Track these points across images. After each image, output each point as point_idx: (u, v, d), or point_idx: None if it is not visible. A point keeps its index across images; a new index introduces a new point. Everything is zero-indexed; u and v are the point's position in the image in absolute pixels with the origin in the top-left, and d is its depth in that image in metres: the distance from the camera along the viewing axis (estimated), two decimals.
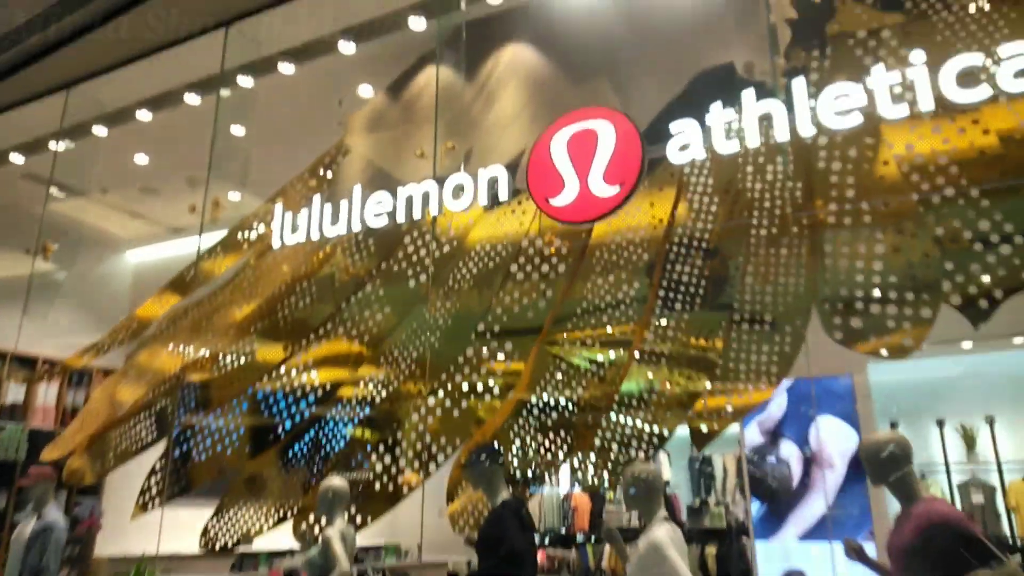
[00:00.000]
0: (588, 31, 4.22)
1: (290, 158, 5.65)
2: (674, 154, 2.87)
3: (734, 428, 4.85)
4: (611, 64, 4.33)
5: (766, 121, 2.73)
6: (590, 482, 3.67)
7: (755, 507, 5.03)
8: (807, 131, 2.65)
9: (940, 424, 7.59)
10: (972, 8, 3.33)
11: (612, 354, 3.80)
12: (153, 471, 5.08)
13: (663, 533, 2.73)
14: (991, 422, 7.29)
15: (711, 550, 8.74)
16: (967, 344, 5.49)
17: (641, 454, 3.61)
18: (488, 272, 4.27)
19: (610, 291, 3.88)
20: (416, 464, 4.24)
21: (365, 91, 5.41)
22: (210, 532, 4.62)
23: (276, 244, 4.09)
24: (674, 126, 2.89)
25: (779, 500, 4.94)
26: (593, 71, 4.36)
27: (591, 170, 3.04)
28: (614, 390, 3.77)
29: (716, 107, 2.81)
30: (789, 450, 4.99)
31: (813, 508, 4.84)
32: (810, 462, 4.92)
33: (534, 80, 4.38)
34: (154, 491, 4.99)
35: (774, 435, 5.05)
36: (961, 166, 3.17)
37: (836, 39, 3.58)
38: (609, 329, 3.84)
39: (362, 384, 4.57)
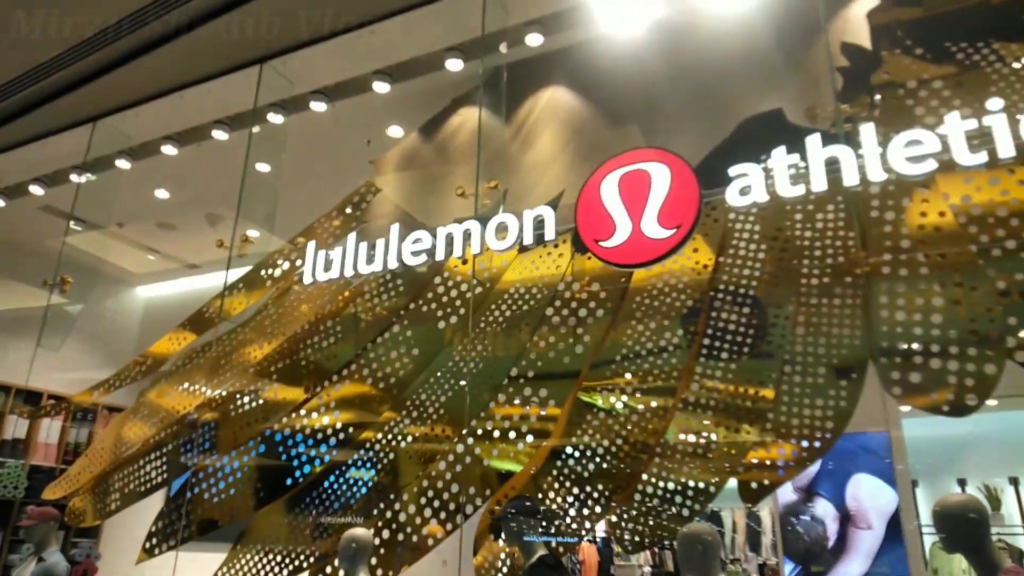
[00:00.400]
0: (629, 75, 4.21)
1: (315, 196, 5.60)
2: (734, 197, 2.80)
3: None
4: (651, 109, 4.30)
5: (833, 166, 2.67)
6: (631, 538, 3.50)
7: (788, 568, 4.82)
8: (877, 177, 2.59)
9: (962, 484, 7.39)
10: None
11: (654, 402, 3.67)
12: (161, 514, 4.88)
13: None
14: (1016, 483, 7.10)
15: None
16: (992, 401, 5.35)
17: (685, 510, 3.45)
18: (522, 315, 4.17)
19: (652, 337, 3.77)
20: (443, 515, 4.05)
21: (395, 132, 5.38)
22: None
23: (308, 280, 3.99)
24: (734, 169, 2.83)
25: (814, 560, 4.73)
26: (633, 115, 4.33)
27: (644, 213, 2.96)
28: (656, 440, 3.62)
29: (779, 152, 2.75)
30: (824, 508, 4.80)
31: (850, 570, 4.63)
32: (846, 521, 4.73)
33: (573, 123, 4.35)
34: (162, 535, 4.78)
35: (808, 492, 4.86)
36: (1022, 218, 3.10)
37: (884, 88, 3.56)
38: (651, 377, 3.71)
39: (386, 429, 4.42)
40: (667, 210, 2.89)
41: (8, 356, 7.33)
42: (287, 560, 4.34)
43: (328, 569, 4.20)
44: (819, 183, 2.66)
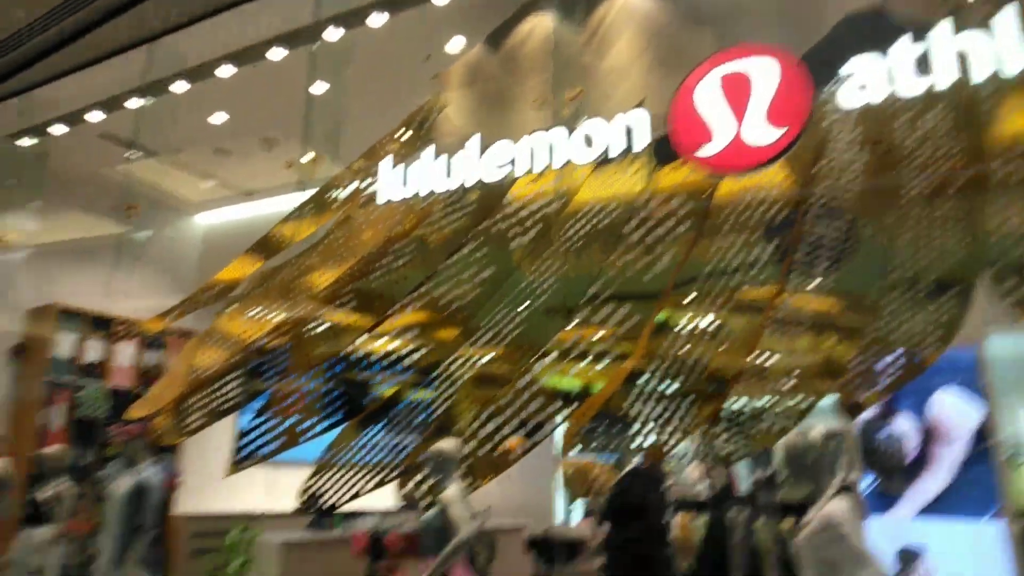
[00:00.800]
0: None
1: (377, 116, 5.46)
2: (849, 96, 2.61)
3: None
4: (732, 10, 4.03)
5: (960, 60, 2.45)
6: (718, 454, 3.48)
7: (867, 482, 4.80)
8: (1014, 69, 2.37)
9: None
10: None
11: (742, 320, 3.58)
12: (244, 432, 5.04)
13: (840, 508, 2.53)
14: None
15: (786, 524, 8.56)
16: None
17: (776, 427, 3.40)
18: (599, 234, 4.06)
19: (739, 253, 3.64)
20: (522, 431, 4.09)
21: (454, 45, 5.17)
22: (309, 492, 4.56)
23: (382, 199, 3.93)
24: (847, 67, 2.63)
25: (894, 475, 4.71)
26: (713, 17, 4.07)
27: (747, 115, 2.78)
28: (744, 358, 3.55)
29: (902, 44, 2.53)
30: (905, 423, 4.74)
31: (931, 484, 4.60)
32: (928, 436, 4.66)
33: (650, 27, 4.10)
34: (246, 451, 4.94)
35: (888, 408, 4.79)
36: None
37: None
38: (739, 294, 3.61)
39: (464, 348, 4.43)
40: (775, 110, 2.72)
41: (78, 284, 7.52)
42: (370, 474, 4.46)
43: (411, 483, 4.31)
44: (944, 78, 2.45)
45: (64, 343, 7.10)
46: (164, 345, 7.81)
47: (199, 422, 5.44)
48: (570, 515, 10.15)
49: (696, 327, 3.68)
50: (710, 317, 3.67)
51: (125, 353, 7.50)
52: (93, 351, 7.28)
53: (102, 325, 7.36)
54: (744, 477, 9.30)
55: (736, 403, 3.58)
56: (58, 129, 6.56)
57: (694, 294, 3.72)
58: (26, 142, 6.87)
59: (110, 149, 6.96)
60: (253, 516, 6.83)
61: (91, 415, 7.09)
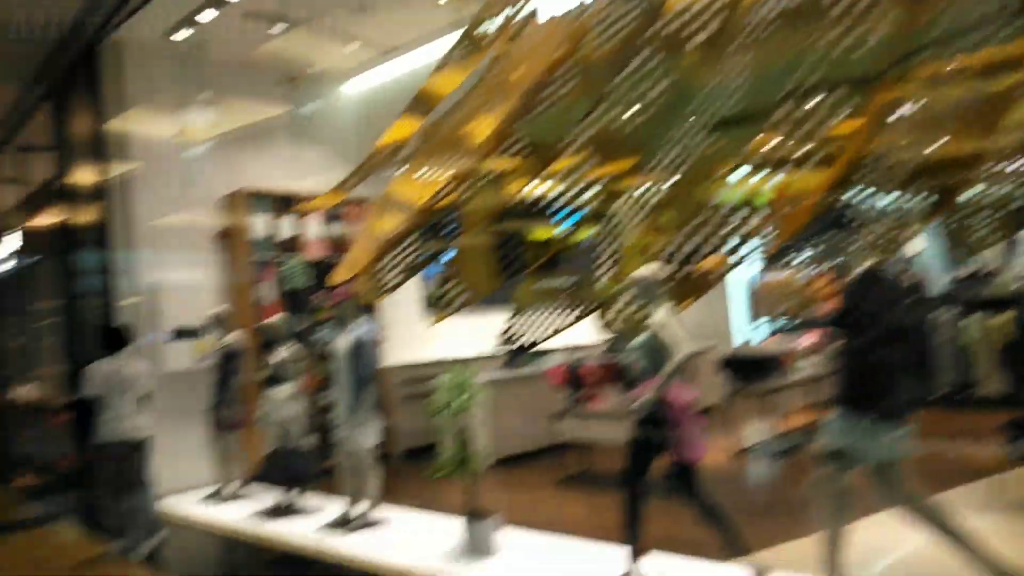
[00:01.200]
0: None
1: None
2: None
3: None
4: None
5: None
6: (967, 245, 3.11)
7: None
8: None
9: None
10: None
11: (983, 89, 3.05)
12: (440, 285, 5.25)
13: None
14: None
15: (996, 321, 7.97)
16: None
17: None
18: (793, 12, 3.54)
19: (976, 5, 3.04)
20: (723, 248, 3.90)
21: None
22: (510, 332, 4.72)
23: (542, 19, 3.63)
24: None
25: None
26: None
27: None
28: (987, 135, 3.06)
29: None
30: None
31: None
32: None
33: None
34: (444, 302, 5.16)
35: None
36: None
37: None
38: (977, 58, 3.05)
39: (646, 172, 4.20)
40: None
41: (257, 167, 7.96)
42: (567, 310, 4.52)
43: (612, 313, 4.31)
44: None
45: (258, 224, 7.66)
46: (345, 215, 8.21)
47: (395, 280, 5.73)
48: (755, 333, 10.02)
49: (925, 107, 3.19)
50: (942, 92, 3.15)
51: (313, 227, 8.00)
52: (285, 228, 7.82)
53: (287, 203, 7.82)
54: (940, 276, 8.62)
55: (978, 188, 3.14)
56: (207, 16, 6.67)
57: (919, 68, 3.19)
58: (181, 36, 7.09)
59: (256, 28, 7.03)
60: (456, 360, 7.31)
61: (296, 286, 7.75)
